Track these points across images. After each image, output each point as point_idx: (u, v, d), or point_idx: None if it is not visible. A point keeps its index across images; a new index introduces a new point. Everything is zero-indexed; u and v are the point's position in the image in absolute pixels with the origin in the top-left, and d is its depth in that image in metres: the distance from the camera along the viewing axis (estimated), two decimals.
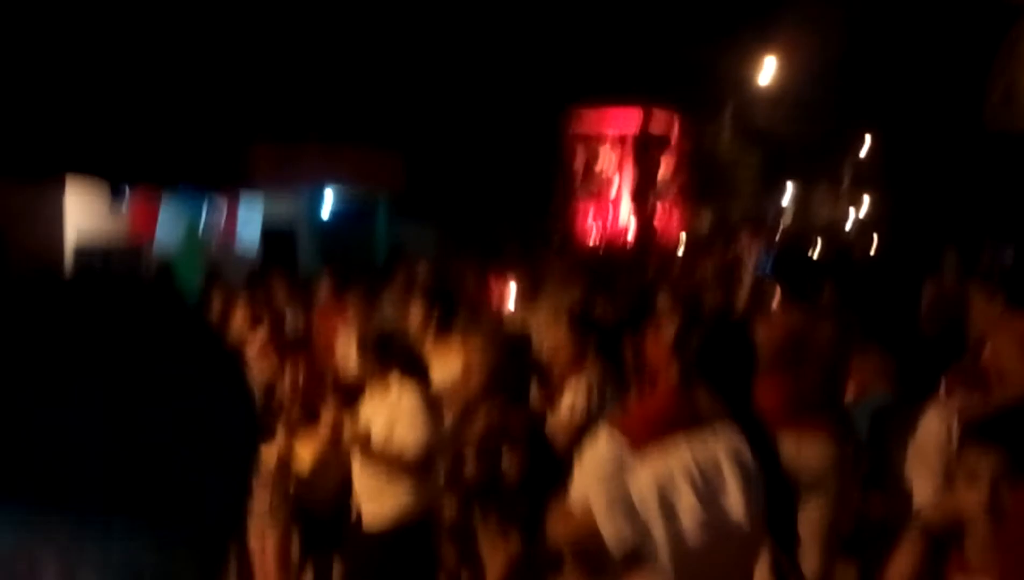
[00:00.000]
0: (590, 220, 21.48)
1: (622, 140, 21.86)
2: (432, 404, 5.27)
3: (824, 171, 36.79)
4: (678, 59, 23.05)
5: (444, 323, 6.08)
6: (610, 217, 21.53)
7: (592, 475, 3.21)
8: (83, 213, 14.66)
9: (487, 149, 21.21)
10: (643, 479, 3.08)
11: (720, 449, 3.11)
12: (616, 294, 8.82)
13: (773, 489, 3.18)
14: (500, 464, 4.27)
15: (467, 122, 21.06)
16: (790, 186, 37.39)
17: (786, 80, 27.32)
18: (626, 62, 22.56)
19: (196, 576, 0.71)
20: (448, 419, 5.21)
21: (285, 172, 17.48)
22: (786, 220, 36.18)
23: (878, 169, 35.49)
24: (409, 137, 19.82)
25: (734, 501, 3.04)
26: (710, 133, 29.93)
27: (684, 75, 23.74)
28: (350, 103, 19.30)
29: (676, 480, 3.04)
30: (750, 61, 26.35)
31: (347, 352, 6.60)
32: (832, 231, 32.29)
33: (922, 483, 4.46)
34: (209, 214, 14.03)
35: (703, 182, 28.21)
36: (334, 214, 19.30)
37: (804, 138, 30.52)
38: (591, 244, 20.15)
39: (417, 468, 5.14)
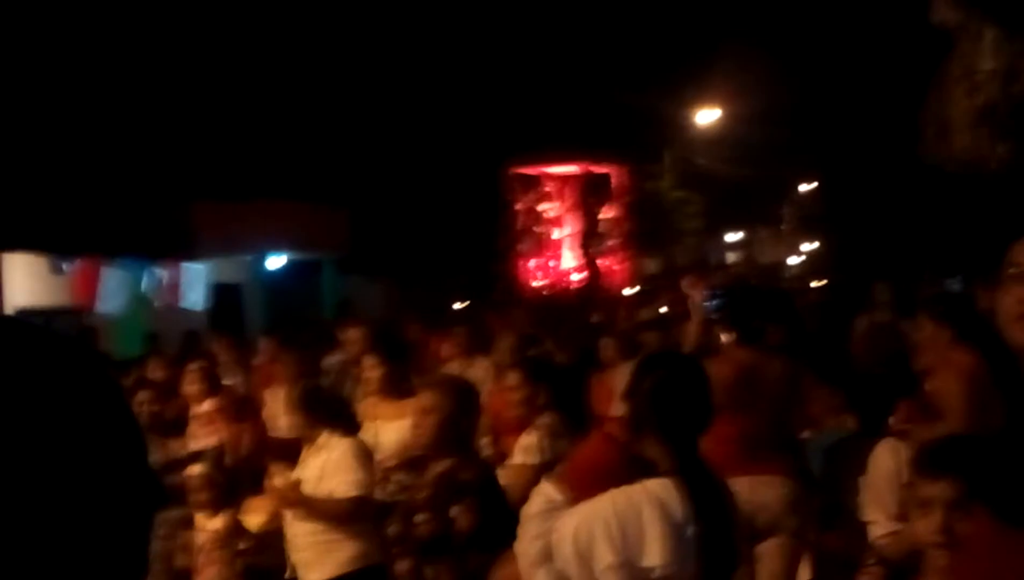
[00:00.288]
0: (534, 266, 21.55)
1: (565, 184, 21.99)
2: (362, 454, 5.31)
3: (766, 213, 37.29)
4: (619, 106, 23.32)
5: (395, 379, 6.04)
6: (554, 262, 21.63)
7: (524, 524, 3.23)
8: (24, 281, 14.46)
9: (431, 203, 21.27)
10: (564, 529, 3.06)
11: (644, 498, 3.05)
12: (563, 340, 8.84)
13: (711, 542, 3.11)
14: (451, 517, 4.22)
15: (410, 176, 21.12)
16: (734, 229, 37.84)
17: (728, 125, 27.72)
18: (567, 111, 22.82)
19: None
20: (401, 473, 5.20)
21: (229, 232, 17.37)
22: (731, 262, 36.57)
23: (819, 209, 36.02)
24: (353, 194, 19.82)
25: (654, 550, 2.99)
26: (653, 178, 30.26)
27: (626, 122, 24.04)
28: (293, 162, 19.26)
29: (593, 525, 2.99)
30: (692, 107, 26.71)
31: (279, 411, 6.63)
32: (776, 272, 32.69)
33: (877, 516, 4.48)
34: (153, 276, 13.93)
35: (648, 227, 28.48)
36: (280, 270, 19.21)
37: (746, 181, 30.93)
38: (536, 290, 20.19)
39: (350, 518, 5.17)
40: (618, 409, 4.72)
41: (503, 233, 21.54)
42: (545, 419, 5.26)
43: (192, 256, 15.21)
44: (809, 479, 5.41)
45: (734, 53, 24.62)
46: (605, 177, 22.46)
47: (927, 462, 2.82)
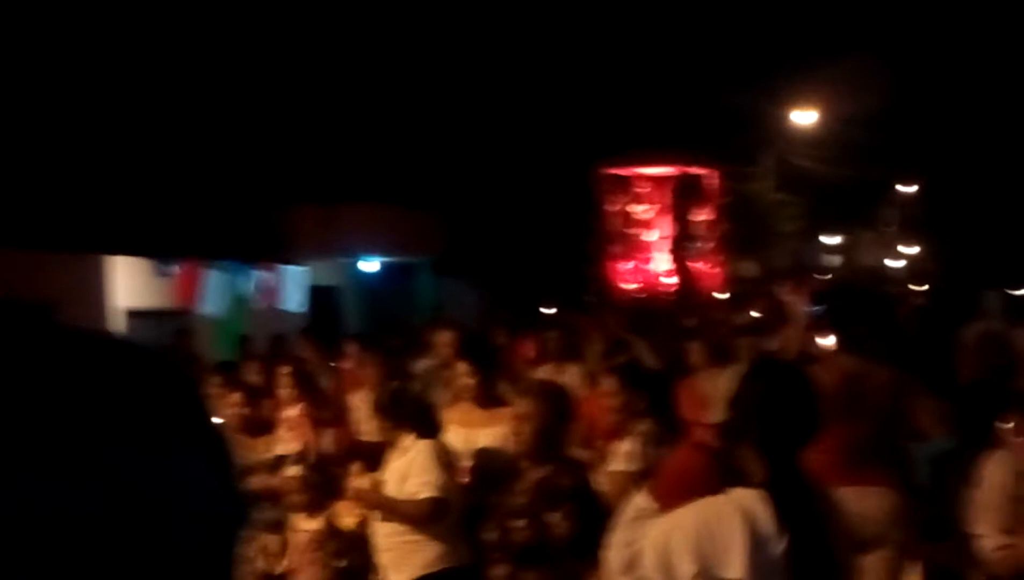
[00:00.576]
0: (625, 269, 21.23)
1: (657, 185, 21.62)
2: (443, 456, 5.32)
3: (867, 216, 36.58)
4: (716, 107, 23.09)
5: (486, 387, 6.02)
6: (646, 265, 21.27)
7: (615, 533, 3.22)
8: (130, 283, 14.82)
9: (524, 205, 21.26)
10: (650, 535, 3.05)
11: (731, 508, 2.99)
12: (654, 345, 8.74)
13: (801, 556, 3.02)
14: (548, 524, 4.19)
15: (505, 179, 21.15)
16: (833, 232, 37.20)
17: (827, 125, 27.25)
18: (661, 111, 22.62)
19: None
20: (493, 477, 5.19)
21: (327, 236, 17.62)
22: (830, 265, 35.95)
23: (922, 212, 35.22)
24: (448, 197, 19.94)
25: (736, 563, 2.92)
26: (750, 180, 29.87)
27: (722, 123, 23.77)
28: (389, 166, 19.44)
29: (677, 534, 2.97)
30: (790, 107, 26.30)
31: (364, 415, 6.66)
32: (877, 276, 32.03)
33: (987, 529, 4.34)
34: (253, 278, 14.19)
35: (745, 230, 28.10)
36: (376, 273, 19.42)
37: (846, 183, 30.38)
38: (627, 293, 19.92)
39: (430, 519, 5.17)
40: (709, 415, 4.65)
41: (594, 235, 21.26)
42: (643, 426, 5.20)
43: (290, 259, 15.45)
44: (915, 491, 5.26)
45: (835, 52, 24.21)
46: (698, 179, 21.86)
47: None
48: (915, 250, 36.73)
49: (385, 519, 5.34)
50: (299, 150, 17.87)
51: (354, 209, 18.15)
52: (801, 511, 3.06)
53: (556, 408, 4.60)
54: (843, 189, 31.22)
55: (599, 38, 22.49)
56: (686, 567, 2.95)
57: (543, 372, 8.19)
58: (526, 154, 21.21)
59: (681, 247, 21.55)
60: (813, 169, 29.73)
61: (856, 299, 6.43)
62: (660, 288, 20.60)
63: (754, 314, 11.70)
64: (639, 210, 21.71)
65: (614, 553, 3.19)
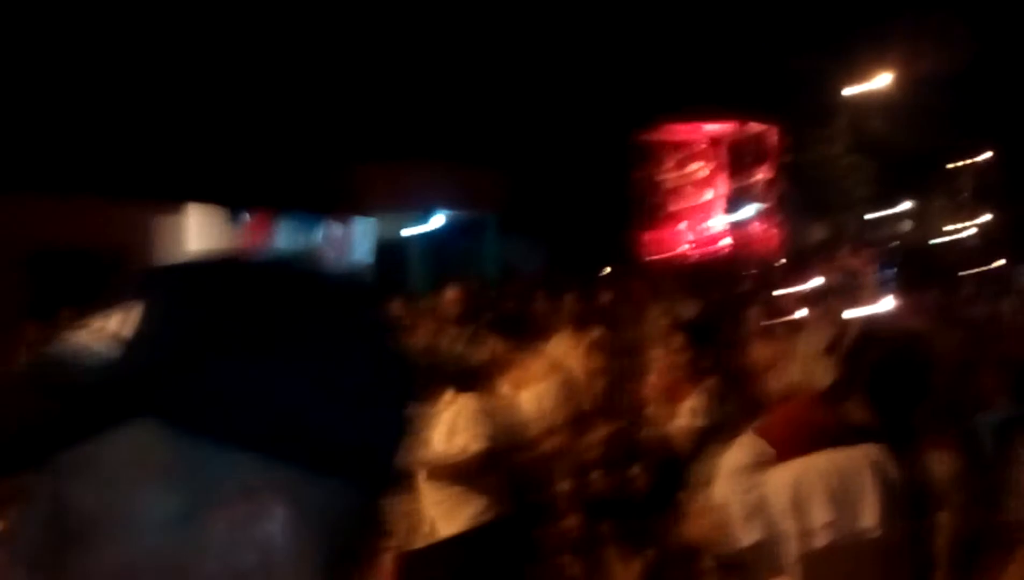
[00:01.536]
0: (682, 229, 20.30)
1: (715, 144, 20.51)
2: (490, 410, 5.34)
3: (941, 184, 35.92)
4: (785, 66, 22.74)
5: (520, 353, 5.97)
6: (703, 226, 20.21)
7: (729, 477, 3.25)
8: (201, 233, 15.04)
9: (589, 164, 21.10)
10: (778, 481, 3.11)
11: (863, 461, 3.10)
12: (710, 307, 8.66)
13: (917, 507, 3.14)
14: (629, 476, 4.25)
15: (570, 138, 21.04)
16: (905, 198, 36.56)
17: (902, 89, 26.75)
18: (726, 68, 22.24)
19: (370, 523, 0.83)
20: (560, 435, 5.23)
21: (394, 192, 17.73)
22: (904, 233, 35.39)
23: (997, 180, 34.49)
24: (515, 155, 19.92)
25: (870, 512, 3.04)
26: (822, 143, 29.44)
27: (793, 82, 23.43)
28: (456, 124, 19.48)
29: (811, 483, 3.07)
30: (865, 69, 25.86)
31: None
32: (949, 243, 31.50)
33: None
34: (322, 232, 14.34)
35: (815, 193, 27.71)
36: (443, 230, 19.50)
37: (921, 150, 29.84)
38: (683, 255, 19.17)
39: (480, 471, 5.21)
40: (778, 376, 4.66)
41: (650, 195, 20.43)
42: (709, 382, 5.24)
43: (358, 213, 15.58)
44: (980, 456, 5.24)
45: (910, 13, 23.72)
46: (756, 137, 20.72)
47: None
48: (989, 218, 36.02)
49: (431, 477, 5.34)
50: (369, 105, 17.98)
51: (420, 165, 18.24)
52: (919, 467, 3.17)
53: (626, 363, 4.64)
54: (917, 154, 30.65)
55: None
56: (821, 514, 3.06)
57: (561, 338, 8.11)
58: (589, 113, 21.02)
59: (737, 207, 20.46)
60: (886, 133, 29.22)
61: (925, 264, 6.40)
62: (716, 249, 19.66)
63: (821, 280, 11.46)
64: (696, 168, 20.65)
65: (734, 498, 3.22)
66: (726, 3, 23.08)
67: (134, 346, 0.74)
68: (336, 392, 0.76)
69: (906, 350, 3.47)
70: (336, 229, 14.63)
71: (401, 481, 0.84)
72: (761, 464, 3.22)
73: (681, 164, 20.41)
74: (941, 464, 5.14)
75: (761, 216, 20.46)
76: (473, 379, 5.55)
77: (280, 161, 15.82)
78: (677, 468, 4.38)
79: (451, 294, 7.48)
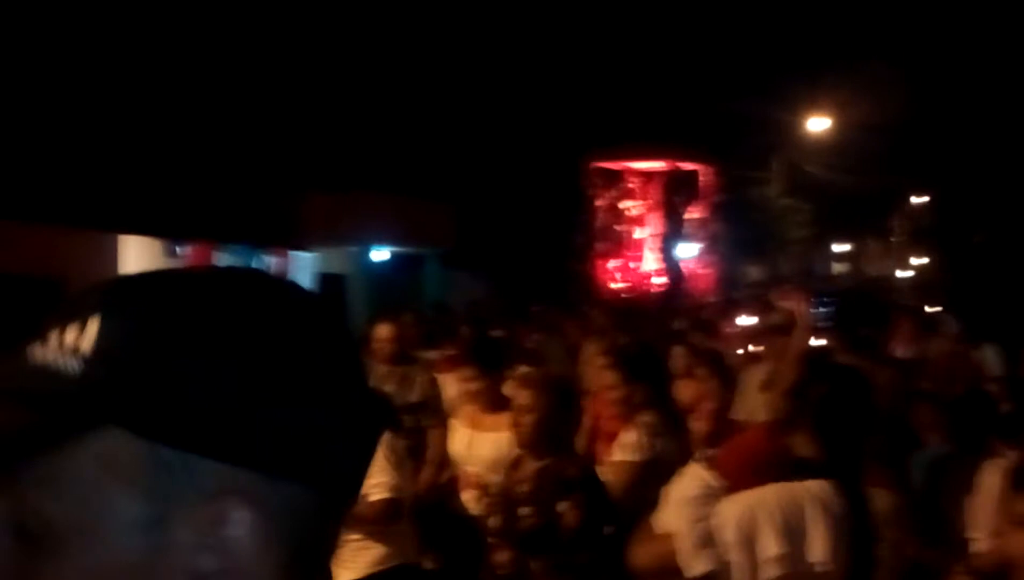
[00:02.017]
0: (613, 267, 20.03)
1: (649, 182, 20.45)
2: (396, 455, 5.19)
3: (876, 225, 36.56)
4: (725, 109, 23.07)
5: (492, 390, 5.77)
6: (635, 264, 19.93)
7: (678, 507, 3.27)
8: (140, 262, 14.89)
9: (532, 198, 21.18)
10: (728, 513, 3.14)
11: (808, 496, 3.16)
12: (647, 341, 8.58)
13: (860, 540, 3.20)
14: (558, 512, 4.22)
15: (514, 172, 21.14)
16: (841, 240, 37.18)
17: (839, 133, 27.26)
18: (665, 108, 22.49)
19: (331, 530, 0.84)
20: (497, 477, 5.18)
21: (336, 223, 17.67)
22: (837, 273, 35.96)
23: (932, 223, 35.18)
24: (458, 189, 19.98)
25: (819, 546, 3.09)
26: (762, 185, 29.88)
27: (733, 125, 23.78)
28: (400, 156, 19.51)
29: (758, 516, 3.10)
30: (802, 113, 26.32)
31: None
32: (884, 285, 32.02)
33: (980, 534, 4.41)
34: (262, 263, 14.25)
35: (755, 234, 28.07)
36: (384, 262, 19.47)
37: (856, 191, 30.37)
38: (615, 292, 18.92)
39: (386, 521, 5.07)
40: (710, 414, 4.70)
41: (582, 230, 20.23)
42: (645, 417, 5.26)
43: (299, 245, 15.51)
44: (913, 492, 5.33)
45: (849, 60, 24.22)
46: (692, 175, 20.54)
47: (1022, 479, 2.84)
48: (924, 261, 36.70)
49: None
50: (313, 137, 17.95)
51: (365, 197, 18.21)
52: (862, 503, 3.24)
53: (557, 400, 4.61)
54: (853, 197, 31.19)
55: (612, 36, 22.49)
56: (772, 547, 3.09)
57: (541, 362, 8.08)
58: (533, 147, 21.14)
59: (671, 245, 20.23)
60: (823, 176, 29.73)
61: (860, 303, 6.51)
62: (649, 288, 19.44)
63: (756, 318, 11.37)
64: (629, 205, 20.45)
65: (686, 528, 3.24)
66: (669, 45, 23.37)
67: (94, 360, 0.76)
68: (297, 396, 0.78)
69: (850, 385, 3.56)
70: (275, 262, 14.54)
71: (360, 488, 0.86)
72: (709, 495, 3.26)
73: (615, 201, 20.23)
74: (880, 500, 5.23)
75: (696, 254, 20.36)
76: (395, 420, 5.49)
77: (221, 192, 15.72)
78: (609, 503, 4.39)
79: (381, 331, 7.15)
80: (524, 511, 4.30)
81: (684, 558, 3.19)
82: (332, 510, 0.83)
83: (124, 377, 0.75)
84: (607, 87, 22.29)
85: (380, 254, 19.24)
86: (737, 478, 3.28)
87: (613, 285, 19.38)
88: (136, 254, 14.89)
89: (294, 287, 0.86)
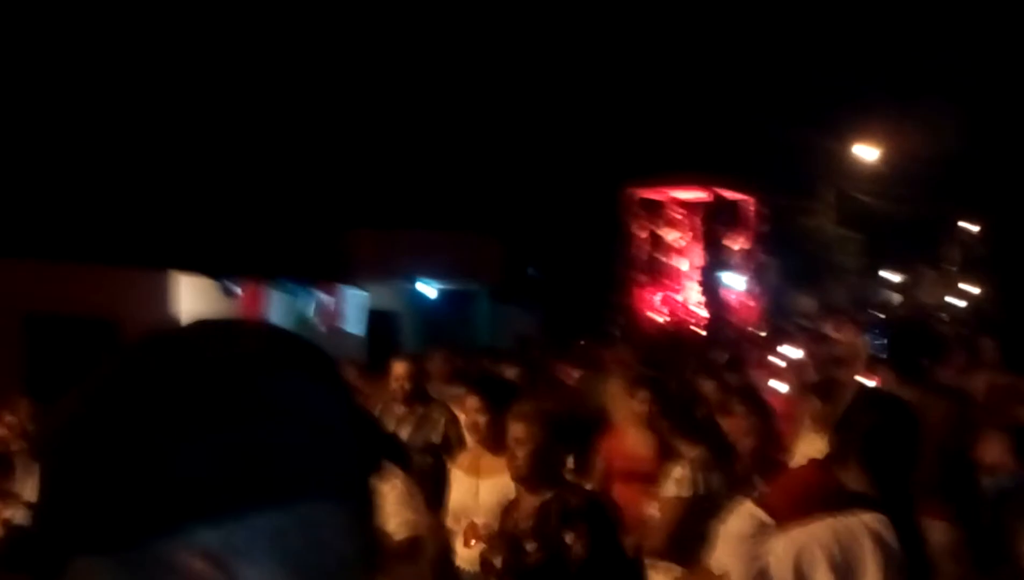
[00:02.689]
0: (657, 300, 19.19)
1: (691, 211, 19.73)
2: (414, 493, 5.10)
3: (929, 254, 36.16)
4: (777, 137, 22.98)
5: (497, 428, 5.37)
6: (678, 295, 19.10)
7: (731, 545, 3.25)
8: (195, 301, 15.06)
9: (579, 232, 21.08)
10: (780, 550, 3.12)
11: (862, 530, 3.13)
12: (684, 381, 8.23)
13: (915, 574, 3.18)
14: (566, 544, 4.13)
15: (561, 205, 21.12)
16: (894, 269, 36.79)
17: (893, 162, 27.05)
18: (719, 142, 22.42)
19: (337, 536, 0.81)
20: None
21: (386, 259, 17.80)
22: (891, 302, 35.53)
23: (985, 251, 34.73)
24: (507, 225, 20.04)
25: (870, 576, 3.06)
26: (813, 214, 29.68)
27: (783, 153, 23.68)
28: (449, 192, 19.64)
29: (814, 552, 3.08)
30: (856, 142, 26.17)
31: None
32: (938, 314, 31.60)
33: None
34: (316, 300, 14.36)
35: (805, 264, 27.83)
36: (436, 299, 19.55)
37: (908, 220, 30.09)
38: (657, 324, 18.17)
39: (408, 560, 4.99)
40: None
41: (623, 262, 19.57)
42: (694, 452, 5.23)
43: (351, 282, 15.62)
44: (978, 525, 5.25)
45: (900, 90, 24.07)
46: (735, 205, 19.79)
47: None
48: (977, 290, 36.19)
49: None
50: (362, 174, 18.12)
51: (413, 233, 18.34)
52: (912, 529, 3.21)
53: (552, 432, 4.50)
54: (904, 225, 30.90)
55: (659, 65, 22.52)
56: (824, 577, 3.08)
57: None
58: (579, 179, 21.08)
59: (714, 277, 19.67)
60: (874, 204, 29.47)
61: (915, 332, 6.43)
62: (691, 320, 18.72)
63: (802, 351, 10.94)
64: (672, 236, 19.75)
65: (737, 566, 3.22)
66: (716, 73, 23.38)
67: (39, 512, 0.78)
68: (236, 432, 0.77)
69: (897, 417, 3.53)
70: (328, 298, 14.65)
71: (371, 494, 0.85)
72: (762, 532, 3.24)
73: (657, 231, 19.53)
74: (938, 534, 5.14)
75: (740, 286, 19.64)
76: (400, 453, 5.31)
77: (273, 230, 15.89)
78: (615, 532, 4.33)
79: (398, 370, 6.86)
80: (530, 546, 4.18)
81: None
82: (336, 518, 0.80)
83: (57, 517, 0.76)
84: (654, 117, 22.30)
85: (429, 290, 19.33)
86: (787, 513, 3.27)
87: (655, 317, 18.77)
88: (190, 293, 15.06)
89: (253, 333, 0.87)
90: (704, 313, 18.45)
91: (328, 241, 16.91)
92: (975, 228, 35.45)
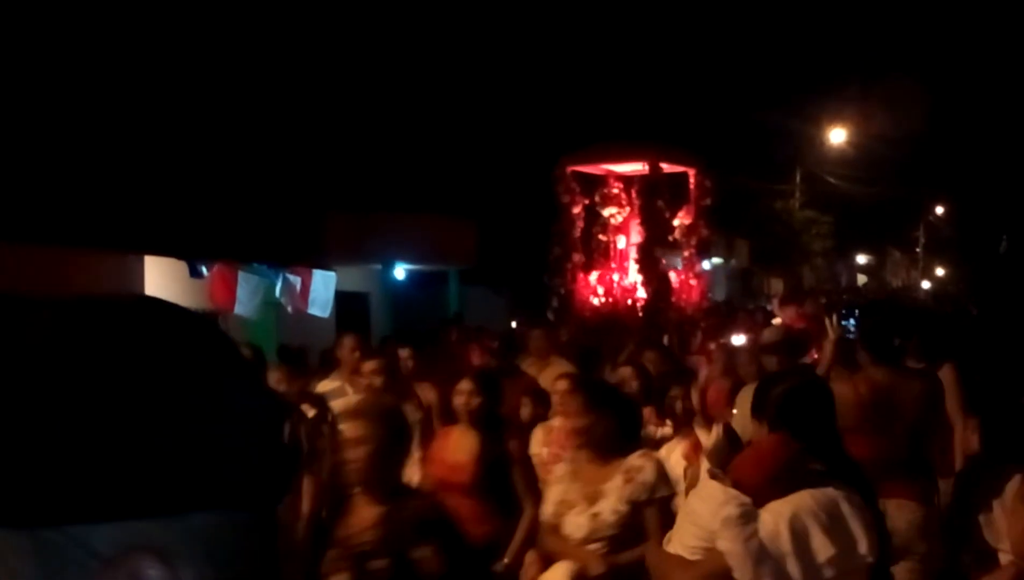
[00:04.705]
0: (594, 279, 18.06)
1: (627, 184, 18.48)
2: None
3: (899, 236, 36.46)
4: (747, 122, 23.06)
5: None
6: (618, 276, 17.94)
7: (725, 529, 3.26)
8: (163, 283, 14.96)
9: (545, 212, 20.92)
10: (771, 523, 3.17)
11: (841, 498, 3.23)
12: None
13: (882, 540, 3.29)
14: (415, 559, 3.68)
15: (533, 187, 21.05)
16: (864, 251, 37.05)
17: (859, 144, 27.22)
18: (673, 114, 22.38)
19: (258, 544, 0.80)
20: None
21: (358, 242, 17.72)
22: (863, 284, 35.81)
23: (952, 234, 35.07)
24: (478, 207, 19.97)
25: (862, 540, 3.17)
26: (783, 197, 29.80)
27: (754, 138, 23.77)
28: (422, 175, 19.56)
29: (804, 520, 3.15)
30: (825, 125, 26.31)
31: None
32: (908, 295, 31.89)
33: (1006, 545, 4.37)
34: (285, 282, 14.28)
35: (775, 246, 27.98)
36: (405, 280, 19.52)
37: (877, 202, 30.31)
38: (595, 307, 17.30)
39: None
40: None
41: (558, 240, 18.39)
42: (632, 461, 4.61)
43: (321, 264, 15.54)
44: (942, 505, 5.31)
45: (868, 72, 24.20)
46: (679, 178, 18.02)
47: None
48: (943, 272, 36.54)
49: None
50: (334, 157, 18.03)
51: (385, 216, 18.27)
52: (872, 498, 3.30)
53: (392, 432, 4.03)
54: (874, 208, 31.12)
55: (633, 50, 22.54)
56: (824, 549, 3.16)
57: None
58: (550, 161, 20.93)
59: (652, 254, 17.96)
60: (844, 187, 29.65)
61: (888, 313, 6.45)
62: (633, 301, 17.67)
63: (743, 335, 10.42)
64: (606, 212, 18.34)
65: (739, 548, 3.22)
66: (686, 60, 23.42)
67: None
68: (164, 425, 0.75)
69: (805, 387, 3.64)
70: (296, 280, 14.56)
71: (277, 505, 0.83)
72: (747, 511, 3.27)
73: (594, 208, 18.13)
74: (907, 512, 5.18)
75: (681, 265, 18.45)
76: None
77: (242, 212, 15.78)
78: (464, 543, 3.95)
79: (348, 342, 7.05)
80: (377, 563, 3.69)
81: (745, 576, 3.20)
82: (259, 525, 0.79)
83: None
84: (627, 101, 22.31)
85: (399, 272, 19.29)
86: (764, 492, 3.30)
87: (591, 298, 17.65)
88: (159, 275, 14.95)
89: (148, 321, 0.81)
90: (642, 293, 17.29)
91: (300, 223, 16.82)
92: (941, 210, 35.79)
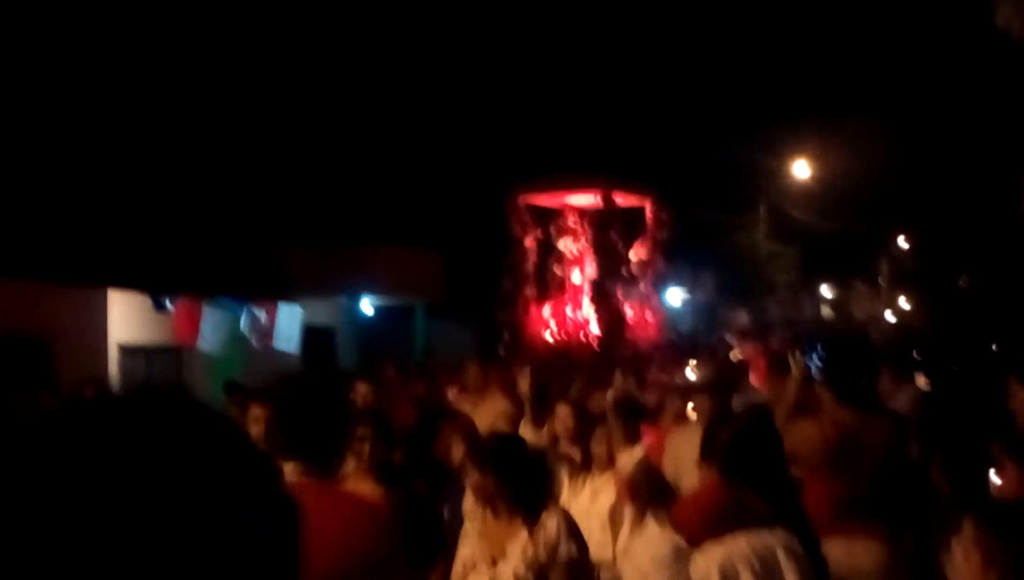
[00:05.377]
0: (546, 313, 17.66)
1: (583, 217, 19.00)
2: None
3: (862, 269, 36.71)
4: (712, 156, 23.20)
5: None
6: (572, 310, 17.52)
7: (651, 566, 3.26)
8: (127, 316, 14.83)
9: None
10: (703, 566, 3.15)
11: (776, 544, 3.18)
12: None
13: None
14: None
15: (494, 222, 20.97)
16: (829, 283, 37.31)
17: (824, 180, 27.48)
18: (662, 160, 22.55)
19: None
20: None
21: (323, 275, 17.66)
22: (827, 316, 36.04)
23: (916, 267, 35.36)
24: (446, 239, 19.94)
25: None
26: (746, 229, 30.01)
27: (719, 173, 23.92)
28: (387, 208, 19.52)
29: (735, 566, 3.12)
30: (788, 160, 26.54)
31: None
32: (872, 327, 32.10)
33: None
34: (251, 316, 14.20)
35: (741, 279, 28.14)
36: (372, 315, 19.43)
37: (841, 235, 30.55)
38: (547, 343, 16.92)
39: None
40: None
41: (511, 274, 18.06)
42: (546, 522, 4.23)
43: (287, 297, 15.46)
44: (908, 546, 5.31)
45: (831, 108, 24.46)
46: (635, 211, 17.79)
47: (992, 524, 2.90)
48: (907, 305, 36.81)
49: None
50: (299, 190, 17.98)
51: (353, 250, 18.21)
52: (813, 547, 3.25)
53: None
54: (838, 240, 31.35)
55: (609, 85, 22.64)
56: None
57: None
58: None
59: (608, 289, 17.59)
60: (808, 220, 29.89)
61: (853, 351, 6.44)
62: (586, 336, 17.31)
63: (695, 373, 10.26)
64: (561, 245, 17.95)
65: None
66: (650, 96, 23.58)
67: None
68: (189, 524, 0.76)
69: (753, 427, 3.60)
70: (262, 315, 14.47)
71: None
72: (681, 552, 3.26)
73: (549, 242, 17.66)
74: (872, 554, 5.18)
75: (636, 299, 17.98)
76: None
77: (206, 245, 15.70)
78: None
79: (361, 389, 7.01)
80: None
81: None
82: None
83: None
84: (589, 137, 22.40)
85: (366, 306, 19.22)
86: (700, 535, 3.29)
87: (544, 333, 17.27)
88: (123, 309, 14.83)
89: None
90: (596, 329, 17.00)
91: (264, 257, 16.74)
92: (905, 244, 36.10)
